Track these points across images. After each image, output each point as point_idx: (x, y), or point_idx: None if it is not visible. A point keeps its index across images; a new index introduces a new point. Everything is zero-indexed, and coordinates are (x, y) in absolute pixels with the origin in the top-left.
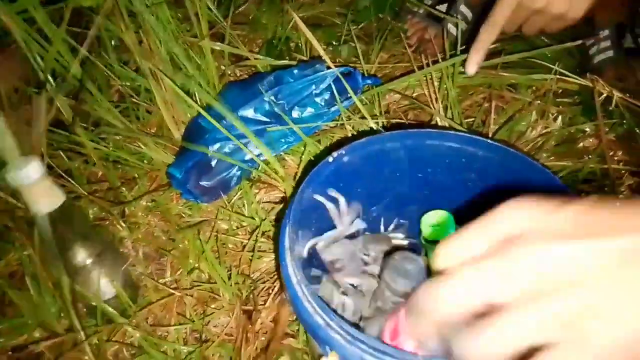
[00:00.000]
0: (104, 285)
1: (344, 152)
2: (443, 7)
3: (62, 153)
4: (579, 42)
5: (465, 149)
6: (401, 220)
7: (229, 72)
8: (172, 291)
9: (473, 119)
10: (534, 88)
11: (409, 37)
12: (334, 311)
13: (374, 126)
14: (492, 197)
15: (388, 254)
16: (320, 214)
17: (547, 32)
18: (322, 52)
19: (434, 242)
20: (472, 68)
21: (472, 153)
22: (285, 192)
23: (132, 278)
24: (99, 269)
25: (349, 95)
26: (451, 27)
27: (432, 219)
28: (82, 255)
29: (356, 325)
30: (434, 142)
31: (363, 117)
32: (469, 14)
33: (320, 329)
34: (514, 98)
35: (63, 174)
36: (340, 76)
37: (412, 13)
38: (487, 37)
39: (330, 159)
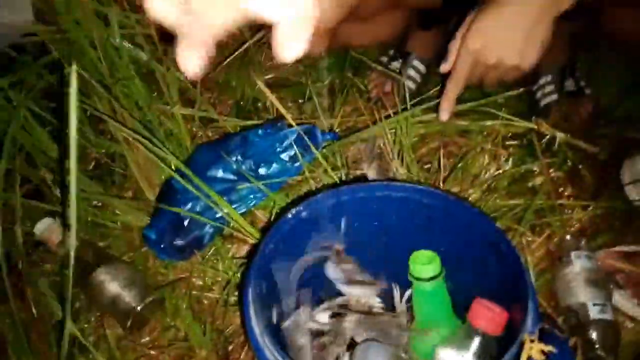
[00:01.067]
0: None
1: (301, 208)
2: (398, 64)
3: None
4: (523, 89)
5: (411, 197)
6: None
7: (201, 134)
8: (149, 351)
9: (429, 164)
10: (485, 133)
11: (370, 92)
12: None
13: (336, 179)
14: (440, 240)
15: None
16: (283, 266)
17: (507, 82)
18: (284, 113)
19: (421, 279)
20: (444, 115)
21: (417, 201)
22: (253, 247)
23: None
24: None
25: (310, 150)
26: (407, 81)
27: (421, 258)
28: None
29: None
30: (384, 193)
31: (325, 171)
32: (421, 67)
33: None
34: (466, 143)
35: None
36: (302, 133)
37: (371, 69)
38: (453, 89)
39: (290, 215)
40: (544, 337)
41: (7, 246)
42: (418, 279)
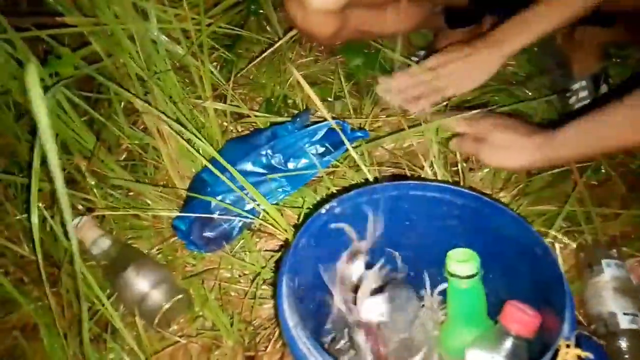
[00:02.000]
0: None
1: (335, 204)
2: None
3: (73, 209)
4: (555, 94)
5: (445, 197)
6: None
7: (231, 129)
8: (178, 339)
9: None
10: None
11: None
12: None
13: (369, 176)
14: (472, 242)
15: None
16: (315, 262)
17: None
18: (320, 106)
19: (457, 276)
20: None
21: (450, 201)
22: (284, 241)
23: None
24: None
25: (339, 147)
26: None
27: (458, 255)
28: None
29: None
30: (417, 193)
31: (354, 167)
32: None
33: None
34: None
35: None
36: (336, 128)
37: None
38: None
39: (323, 211)
40: (579, 343)
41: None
42: (454, 275)
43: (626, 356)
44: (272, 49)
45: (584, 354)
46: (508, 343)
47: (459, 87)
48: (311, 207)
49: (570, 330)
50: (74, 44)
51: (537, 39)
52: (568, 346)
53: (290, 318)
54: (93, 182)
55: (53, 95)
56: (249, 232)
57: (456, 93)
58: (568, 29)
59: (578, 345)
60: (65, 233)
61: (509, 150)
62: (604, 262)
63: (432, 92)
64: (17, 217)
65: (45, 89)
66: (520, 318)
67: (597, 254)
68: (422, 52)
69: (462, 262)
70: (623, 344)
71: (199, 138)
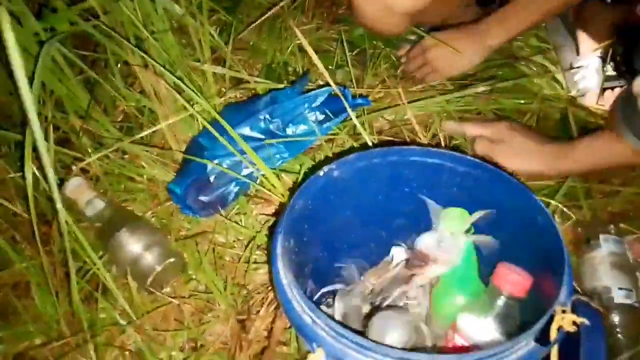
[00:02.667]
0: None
1: (334, 166)
2: None
3: (67, 169)
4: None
5: (446, 164)
6: (389, 234)
7: (229, 95)
8: (171, 299)
9: (460, 141)
10: (520, 112)
11: (405, 64)
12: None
13: (368, 142)
14: (472, 210)
15: None
16: (310, 224)
17: None
18: (323, 70)
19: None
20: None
21: (452, 169)
22: (279, 206)
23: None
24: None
25: (339, 114)
26: None
27: (451, 214)
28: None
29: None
30: (418, 159)
31: (356, 133)
32: None
33: (307, 327)
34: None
35: None
36: (338, 93)
37: (406, 41)
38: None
39: (321, 173)
40: (576, 310)
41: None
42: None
43: (618, 330)
44: (272, 11)
45: (579, 319)
46: (500, 303)
47: (442, 73)
48: (308, 172)
49: (567, 296)
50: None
51: (524, 31)
52: (564, 312)
53: (284, 276)
54: (88, 143)
55: (46, 51)
56: (244, 197)
57: (437, 79)
58: (578, 5)
59: (574, 311)
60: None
61: (528, 155)
62: (601, 237)
63: (421, 74)
64: (10, 175)
65: (40, 44)
66: (512, 278)
67: (595, 229)
68: (422, 28)
69: (455, 219)
70: (616, 318)
71: (198, 96)
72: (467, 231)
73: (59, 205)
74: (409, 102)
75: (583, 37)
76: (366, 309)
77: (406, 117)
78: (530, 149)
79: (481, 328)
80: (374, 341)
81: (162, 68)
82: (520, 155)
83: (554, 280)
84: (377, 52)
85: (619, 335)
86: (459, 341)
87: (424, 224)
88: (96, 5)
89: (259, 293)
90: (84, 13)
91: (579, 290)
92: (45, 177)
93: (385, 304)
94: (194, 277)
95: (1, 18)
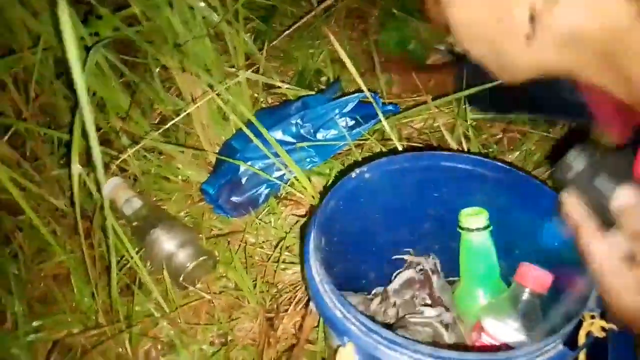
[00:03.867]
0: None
1: (365, 169)
2: None
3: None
4: None
5: (476, 170)
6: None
7: (262, 100)
8: (203, 294)
9: (490, 150)
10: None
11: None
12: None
13: (399, 147)
14: (502, 217)
15: None
16: (341, 224)
17: None
18: (356, 77)
19: (468, 229)
20: None
21: (482, 174)
22: (309, 208)
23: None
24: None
25: (369, 120)
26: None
27: (470, 212)
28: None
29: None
30: (448, 164)
31: (384, 139)
32: None
33: (338, 321)
34: (529, 132)
35: None
36: (369, 97)
37: (434, 50)
38: None
39: (353, 175)
40: (604, 315)
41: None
42: (465, 229)
43: None
44: (304, 19)
45: (608, 325)
46: (524, 298)
47: None
48: (338, 175)
49: (597, 302)
50: (113, 6)
51: None
52: (593, 317)
53: (317, 272)
54: (127, 143)
55: (93, 55)
56: (275, 199)
57: None
58: None
59: (603, 317)
60: (98, 187)
61: None
62: None
63: None
64: (54, 172)
65: (86, 49)
66: (535, 274)
67: None
68: (452, 39)
69: (473, 215)
70: None
71: (233, 100)
72: (485, 228)
73: (104, 203)
74: (438, 110)
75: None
76: (386, 317)
77: (435, 124)
78: None
79: (506, 327)
80: (404, 337)
81: (199, 70)
82: None
83: (583, 285)
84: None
85: None
86: (486, 340)
87: (451, 230)
88: (138, 12)
89: (287, 292)
90: (126, 19)
91: None
92: (88, 174)
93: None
94: (224, 275)
95: (63, 21)
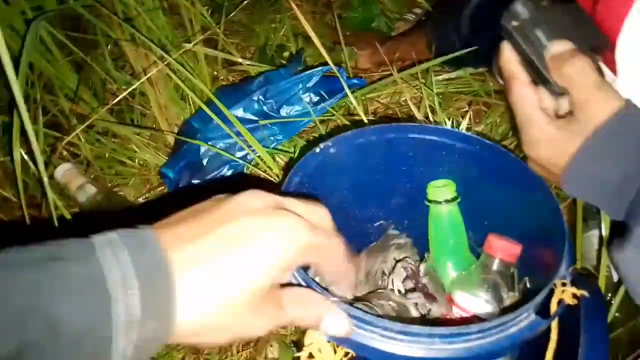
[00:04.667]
0: None
1: (330, 143)
2: None
3: (57, 153)
4: None
5: (443, 141)
6: (385, 214)
7: (222, 77)
8: None
9: (457, 121)
10: None
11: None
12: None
13: (364, 120)
14: (470, 188)
15: None
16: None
17: None
18: (322, 50)
19: (436, 202)
20: None
21: (450, 145)
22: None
23: None
24: None
25: (333, 95)
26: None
27: (437, 184)
28: None
29: None
30: (415, 136)
31: (350, 114)
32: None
33: None
34: (496, 103)
35: None
36: (335, 71)
37: (403, 20)
38: None
39: (317, 150)
40: (576, 283)
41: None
42: (433, 201)
43: (616, 309)
44: None
45: (579, 292)
46: (493, 269)
47: None
48: (303, 151)
49: (567, 269)
50: None
51: None
52: (564, 284)
53: None
54: (78, 126)
55: (34, 29)
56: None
57: None
58: None
59: (574, 284)
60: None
61: None
62: (600, 216)
63: None
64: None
65: (27, 22)
66: (503, 244)
67: (592, 208)
68: (419, 10)
69: (441, 187)
70: (614, 298)
71: (193, 76)
72: (453, 200)
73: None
74: (404, 83)
75: None
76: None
77: (402, 98)
78: None
79: (477, 299)
80: (374, 314)
81: (153, 45)
82: None
83: (553, 254)
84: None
85: (616, 313)
86: (457, 313)
87: (421, 205)
88: None
89: None
90: None
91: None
92: (34, 160)
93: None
94: None
95: None
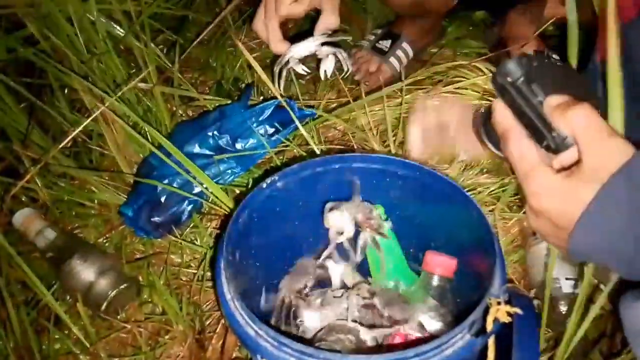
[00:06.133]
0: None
1: (276, 177)
2: (387, 43)
3: (16, 199)
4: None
5: (388, 169)
6: None
7: (180, 113)
8: (125, 325)
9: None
10: None
11: (354, 70)
12: None
13: (316, 151)
14: (414, 212)
15: None
16: (258, 236)
17: None
18: (271, 87)
19: None
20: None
21: (393, 172)
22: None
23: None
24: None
25: (287, 126)
26: (394, 62)
27: None
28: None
29: None
30: (360, 165)
31: (306, 144)
32: (409, 51)
33: (251, 339)
34: None
35: None
36: (286, 106)
37: (357, 47)
38: None
39: (264, 185)
40: (510, 300)
41: None
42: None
43: (568, 320)
44: (213, 24)
45: (512, 310)
46: (434, 286)
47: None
48: (253, 184)
49: (500, 288)
50: (8, 27)
51: None
52: (499, 303)
53: (228, 290)
54: (34, 171)
55: None
56: (198, 215)
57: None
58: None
59: (509, 302)
60: None
61: None
62: None
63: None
64: None
65: None
66: (441, 260)
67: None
68: (379, 31)
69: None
70: (565, 308)
71: (145, 121)
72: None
73: None
74: (359, 109)
75: (510, 44)
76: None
77: (357, 125)
78: None
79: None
80: (315, 347)
81: (100, 91)
82: None
83: (488, 273)
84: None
85: (567, 324)
86: (404, 331)
87: None
88: (35, 31)
89: (216, 310)
90: (28, 39)
91: (530, 281)
92: None
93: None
94: (149, 300)
95: None
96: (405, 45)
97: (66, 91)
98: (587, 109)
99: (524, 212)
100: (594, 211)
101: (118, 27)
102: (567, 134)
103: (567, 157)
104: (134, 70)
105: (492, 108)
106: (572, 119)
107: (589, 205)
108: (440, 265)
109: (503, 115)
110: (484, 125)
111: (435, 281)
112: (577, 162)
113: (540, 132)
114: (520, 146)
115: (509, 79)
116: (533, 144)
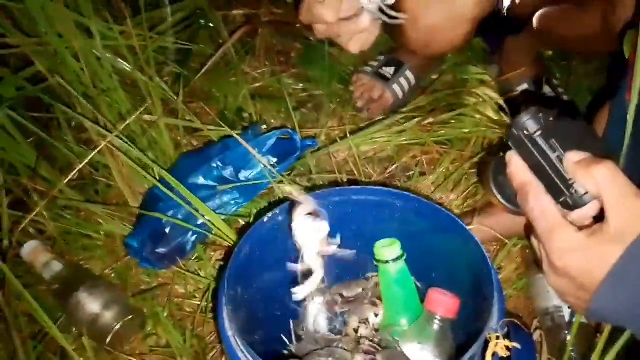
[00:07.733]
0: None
1: (277, 212)
2: (391, 70)
3: (24, 232)
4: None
5: (386, 200)
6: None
7: (185, 143)
8: (130, 358)
9: (412, 172)
10: (466, 141)
11: (356, 96)
12: None
13: (316, 182)
14: (414, 245)
15: None
16: (260, 269)
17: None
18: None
19: (384, 261)
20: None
21: (392, 204)
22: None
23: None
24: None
25: (289, 157)
26: (396, 89)
27: (383, 244)
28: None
29: None
30: (359, 197)
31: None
32: (412, 78)
33: None
34: (445, 152)
35: None
36: (287, 136)
37: (360, 72)
38: None
39: (265, 219)
40: (509, 334)
41: None
42: (380, 261)
43: (571, 348)
44: (216, 55)
45: (512, 344)
46: (435, 326)
47: None
48: (256, 215)
49: (498, 322)
50: (17, 65)
51: None
52: (498, 337)
53: (229, 326)
54: (42, 204)
55: None
56: (202, 246)
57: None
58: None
59: (508, 335)
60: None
61: None
62: None
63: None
64: None
65: None
66: (443, 301)
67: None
68: (382, 57)
69: (387, 247)
70: (568, 336)
71: (146, 155)
72: (400, 258)
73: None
74: (358, 139)
75: (508, 70)
76: None
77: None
78: None
79: (424, 352)
80: None
81: (105, 126)
82: None
83: (487, 306)
84: (334, 92)
85: (572, 353)
86: None
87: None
88: (43, 69)
89: (219, 342)
90: (35, 76)
91: (534, 309)
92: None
93: None
94: (153, 332)
95: None
96: (408, 73)
97: (73, 124)
98: (611, 166)
99: (529, 241)
100: (619, 274)
101: (124, 63)
102: (585, 191)
103: (583, 213)
104: (139, 104)
105: (506, 160)
106: (596, 176)
107: (614, 266)
108: (443, 305)
109: (520, 169)
110: (495, 179)
111: (436, 321)
112: (601, 221)
113: (558, 187)
114: (542, 202)
115: (526, 132)
116: (553, 201)
